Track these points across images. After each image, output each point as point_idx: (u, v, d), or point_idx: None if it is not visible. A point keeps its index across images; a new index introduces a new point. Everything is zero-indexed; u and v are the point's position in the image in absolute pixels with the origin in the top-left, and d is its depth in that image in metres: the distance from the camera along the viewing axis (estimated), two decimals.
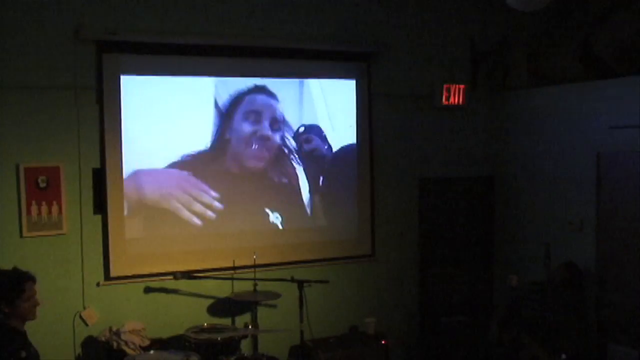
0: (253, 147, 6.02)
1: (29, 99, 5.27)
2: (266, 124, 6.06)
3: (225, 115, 5.92)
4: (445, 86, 6.68)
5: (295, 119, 6.19)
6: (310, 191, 6.30)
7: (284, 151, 6.15)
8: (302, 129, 6.24)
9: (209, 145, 5.86)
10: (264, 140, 6.06)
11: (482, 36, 6.95)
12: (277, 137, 6.10)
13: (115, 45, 5.50)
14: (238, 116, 5.97)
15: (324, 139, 6.32)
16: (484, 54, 6.92)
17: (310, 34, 6.23)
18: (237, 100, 5.97)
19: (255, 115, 6.03)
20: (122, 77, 5.54)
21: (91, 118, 5.46)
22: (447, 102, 6.70)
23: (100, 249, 5.52)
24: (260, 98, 6.05)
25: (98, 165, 5.49)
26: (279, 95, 6.12)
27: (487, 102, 7.05)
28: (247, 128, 6.00)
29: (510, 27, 6.94)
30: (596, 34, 6.35)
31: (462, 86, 6.75)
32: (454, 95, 6.72)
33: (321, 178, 6.34)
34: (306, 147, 6.27)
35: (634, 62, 6.00)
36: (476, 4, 6.94)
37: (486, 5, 6.90)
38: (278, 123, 6.10)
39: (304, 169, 6.26)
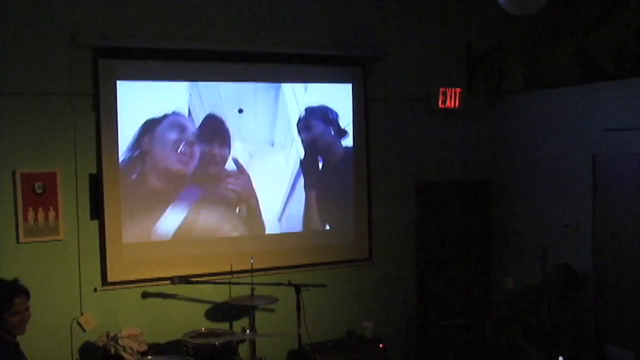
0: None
1: (26, 105, 5.27)
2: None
3: None
4: (441, 90, 6.69)
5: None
6: (305, 187, 6.29)
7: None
8: (302, 113, 6.21)
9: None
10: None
11: (478, 40, 6.96)
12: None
13: (111, 51, 5.51)
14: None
15: (330, 122, 6.25)
16: (480, 58, 6.93)
17: (306, 38, 6.24)
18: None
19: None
20: (118, 82, 5.54)
21: (87, 123, 5.47)
22: (443, 106, 6.70)
23: (97, 255, 5.52)
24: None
25: (94, 171, 5.50)
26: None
27: (484, 105, 7.05)
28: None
29: (506, 30, 6.96)
30: (591, 37, 6.38)
31: (458, 90, 6.76)
32: (450, 99, 6.73)
33: (320, 165, 6.33)
34: (304, 135, 6.25)
35: (629, 64, 6.02)
36: (472, 8, 6.95)
37: (482, 9, 6.91)
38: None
39: (301, 161, 6.26)
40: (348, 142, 6.47)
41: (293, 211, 6.25)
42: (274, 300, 5.63)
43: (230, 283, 5.73)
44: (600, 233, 5.97)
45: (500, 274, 6.85)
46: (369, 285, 6.57)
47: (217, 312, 5.90)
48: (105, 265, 5.53)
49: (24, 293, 3.89)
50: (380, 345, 6.16)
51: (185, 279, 5.51)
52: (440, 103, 6.69)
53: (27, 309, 3.91)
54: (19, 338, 3.97)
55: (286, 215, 6.22)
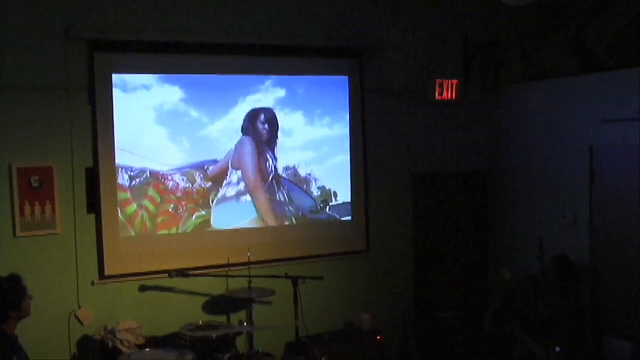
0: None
1: (21, 99, 5.26)
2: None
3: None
4: (438, 81, 6.68)
5: None
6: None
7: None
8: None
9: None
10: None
11: (475, 31, 6.94)
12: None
13: (106, 44, 5.48)
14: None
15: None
16: (477, 49, 6.91)
17: (302, 30, 6.22)
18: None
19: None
20: (114, 76, 5.53)
21: (84, 117, 5.46)
22: (440, 98, 6.69)
23: (95, 248, 5.52)
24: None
25: (91, 165, 5.49)
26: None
27: (480, 97, 7.05)
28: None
29: (503, 21, 6.94)
30: (588, 28, 6.36)
31: (455, 81, 6.75)
32: (447, 91, 6.72)
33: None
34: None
35: (626, 55, 6.01)
36: None
37: (479, 0, 6.89)
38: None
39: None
40: (345, 134, 6.47)
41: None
42: (272, 293, 5.63)
43: (227, 276, 5.74)
44: (598, 224, 5.98)
45: (497, 266, 6.86)
46: (366, 277, 6.58)
47: (215, 305, 5.90)
48: (103, 258, 5.53)
49: (23, 278, 4.01)
50: (378, 337, 6.17)
51: (182, 272, 5.52)
52: (437, 95, 6.68)
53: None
54: (17, 331, 4.00)
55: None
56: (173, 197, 5.78)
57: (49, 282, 5.34)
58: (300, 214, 6.30)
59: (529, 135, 6.66)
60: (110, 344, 5.25)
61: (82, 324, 5.47)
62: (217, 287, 5.87)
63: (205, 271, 5.75)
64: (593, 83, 6.01)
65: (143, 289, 5.68)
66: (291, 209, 6.27)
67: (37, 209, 5.29)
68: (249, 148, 6.07)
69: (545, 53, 6.70)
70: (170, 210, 5.77)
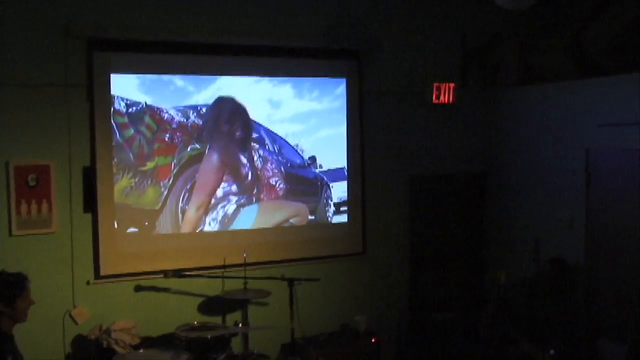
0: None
1: (19, 96, 5.24)
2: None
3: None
4: (435, 85, 6.68)
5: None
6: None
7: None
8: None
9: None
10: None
11: (473, 33, 6.96)
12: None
13: (106, 43, 5.48)
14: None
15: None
16: (475, 51, 6.93)
17: (300, 32, 6.22)
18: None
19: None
20: (112, 75, 5.52)
21: (82, 116, 5.44)
22: (437, 101, 6.70)
23: (90, 248, 5.51)
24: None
25: (88, 164, 5.48)
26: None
27: (478, 99, 7.07)
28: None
29: (501, 24, 6.95)
30: (586, 31, 6.38)
31: (452, 85, 6.75)
32: (444, 94, 6.73)
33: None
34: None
35: (623, 59, 6.03)
36: (467, 1, 6.94)
37: (477, 2, 6.90)
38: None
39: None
40: (342, 135, 6.47)
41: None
42: (267, 293, 5.62)
43: (223, 277, 5.73)
44: (593, 226, 5.99)
45: (494, 268, 6.86)
46: (362, 278, 6.58)
47: (210, 305, 5.89)
48: (98, 258, 5.51)
49: (29, 280, 3.98)
50: (373, 338, 6.17)
51: (178, 273, 5.50)
52: (434, 98, 6.69)
53: (30, 293, 4.00)
54: (13, 331, 3.98)
55: None
56: (168, 127, 5.76)
57: (44, 281, 5.30)
58: (289, 165, 6.27)
59: (526, 138, 6.67)
60: (105, 343, 5.23)
61: (77, 323, 5.45)
62: (212, 287, 5.85)
63: (201, 272, 5.73)
64: (590, 87, 6.03)
65: (138, 288, 5.67)
66: (280, 159, 6.23)
67: (34, 207, 5.27)
68: (213, 164, 6.01)
69: (543, 56, 6.71)
70: (166, 139, 5.75)
